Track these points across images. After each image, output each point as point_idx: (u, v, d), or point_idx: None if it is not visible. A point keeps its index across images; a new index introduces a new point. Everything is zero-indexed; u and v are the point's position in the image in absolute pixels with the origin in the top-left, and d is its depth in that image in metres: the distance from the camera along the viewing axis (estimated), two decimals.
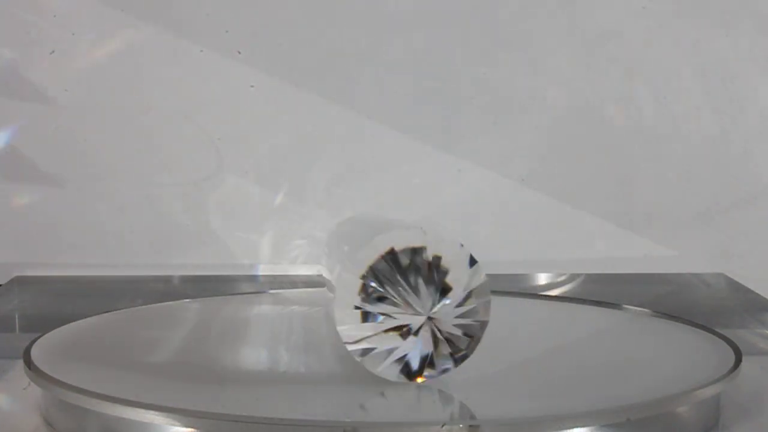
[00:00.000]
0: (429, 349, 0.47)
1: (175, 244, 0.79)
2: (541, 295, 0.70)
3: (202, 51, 0.77)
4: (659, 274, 0.78)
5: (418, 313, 0.47)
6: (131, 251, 0.79)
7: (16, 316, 0.70)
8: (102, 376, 0.49)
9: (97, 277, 0.77)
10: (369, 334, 0.47)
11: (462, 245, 0.47)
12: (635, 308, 0.61)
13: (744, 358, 0.50)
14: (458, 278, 0.47)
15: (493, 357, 0.52)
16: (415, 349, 0.47)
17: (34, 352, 0.50)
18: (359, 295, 0.47)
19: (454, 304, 0.47)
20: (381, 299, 0.47)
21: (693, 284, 0.77)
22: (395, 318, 0.47)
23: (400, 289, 0.47)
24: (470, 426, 0.41)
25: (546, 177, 0.79)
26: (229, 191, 0.78)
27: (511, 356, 0.54)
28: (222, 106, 0.79)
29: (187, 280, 0.77)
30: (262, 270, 0.78)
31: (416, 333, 0.47)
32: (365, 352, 0.47)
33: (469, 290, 0.47)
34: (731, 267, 0.78)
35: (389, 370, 0.47)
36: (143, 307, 0.62)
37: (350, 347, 0.47)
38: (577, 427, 0.42)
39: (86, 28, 0.77)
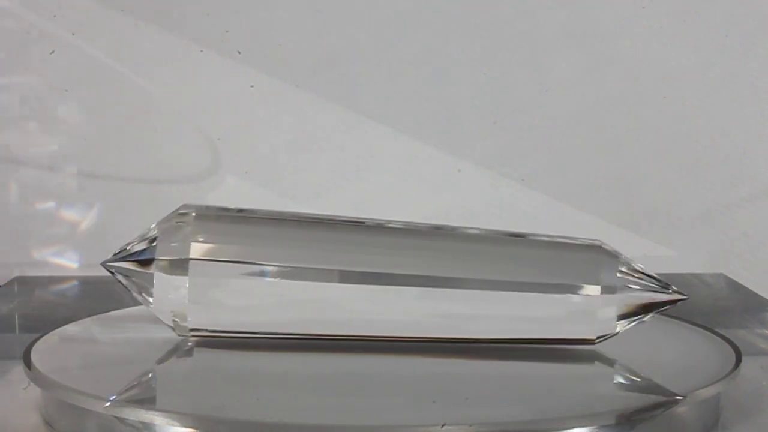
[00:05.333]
0: None
1: None
2: None
3: (202, 51, 0.77)
4: (659, 274, 0.78)
5: None
6: None
7: (16, 316, 0.70)
8: (102, 376, 0.49)
9: (97, 277, 0.77)
10: None
11: None
12: None
13: (744, 358, 0.50)
14: None
15: (492, 356, 0.52)
16: None
17: (34, 353, 0.50)
18: None
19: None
20: None
21: (693, 284, 0.77)
22: None
23: None
24: (470, 426, 0.41)
25: (546, 177, 0.79)
26: (229, 191, 0.78)
27: (511, 356, 0.54)
28: (222, 106, 0.79)
29: None
30: None
31: None
32: None
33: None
34: (731, 267, 0.78)
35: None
36: (143, 307, 0.61)
37: None
38: (576, 427, 0.42)
39: (86, 28, 0.77)
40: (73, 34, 0.77)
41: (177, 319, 0.52)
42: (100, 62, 0.77)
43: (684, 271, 0.78)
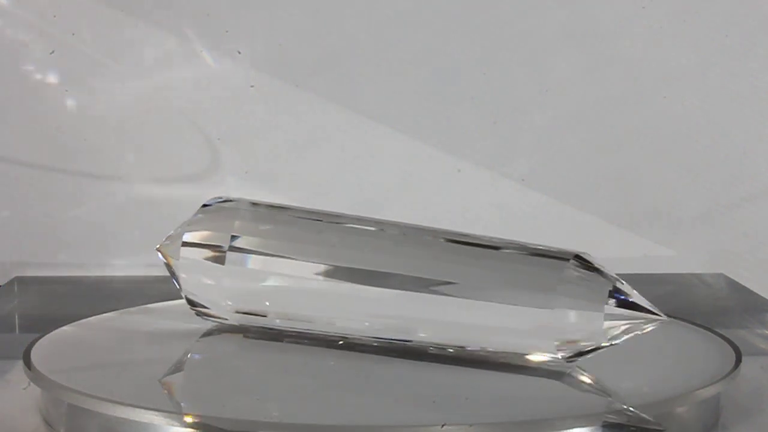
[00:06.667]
0: None
1: None
2: None
3: (202, 51, 0.77)
4: (659, 274, 0.78)
5: None
6: (131, 251, 0.79)
7: (16, 316, 0.70)
8: (102, 376, 0.49)
9: (97, 277, 0.77)
10: None
11: None
12: None
13: (744, 358, 0.50)
14: None
15: (492, 358, 0.52)
16: None
17: (34, 353, 0.50)
18: None
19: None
20: None
21: (693, 284, 0.77)
22: None
23: None
24: (470, 426, 0.41)
25: (546, 177, 0.79)
26: (229, 191, 0.78)
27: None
28: (222, 106, 0.79)
29: None
30: None
31: None
32: None
33: None
34: (731, 267, 0.78)
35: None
36: (143, 307, 0.62)
37: None
38: (576, 427, 0.42)
39: (86, 28, 0.77)
40: (73, 34, 0.77)
41: (205, 306, 0.54)
42: (100, 62, 0.77)
43: (684, 271, 0.78)
